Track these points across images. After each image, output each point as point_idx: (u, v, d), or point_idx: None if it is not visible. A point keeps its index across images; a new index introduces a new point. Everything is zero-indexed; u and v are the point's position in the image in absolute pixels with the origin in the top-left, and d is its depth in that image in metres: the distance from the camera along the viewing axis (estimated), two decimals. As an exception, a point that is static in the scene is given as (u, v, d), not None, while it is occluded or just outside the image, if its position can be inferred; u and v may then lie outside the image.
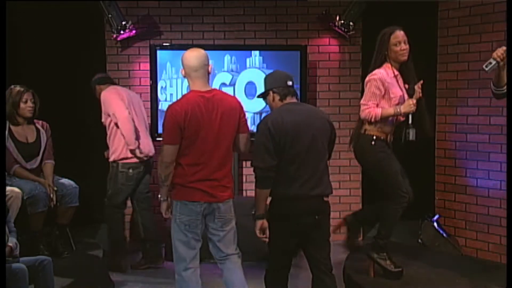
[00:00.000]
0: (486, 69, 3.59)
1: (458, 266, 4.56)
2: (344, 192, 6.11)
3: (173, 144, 3.50)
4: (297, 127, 3.53)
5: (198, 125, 3.49)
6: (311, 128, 3.57)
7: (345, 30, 5.75)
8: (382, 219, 4.22)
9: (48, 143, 4.81)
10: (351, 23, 5.70)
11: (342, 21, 5.70)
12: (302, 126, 3.54)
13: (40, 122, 4.83)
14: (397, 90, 4.06)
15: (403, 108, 3.98)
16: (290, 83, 3.67)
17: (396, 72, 4.10)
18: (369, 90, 4.04)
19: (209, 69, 3.62)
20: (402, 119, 4.08)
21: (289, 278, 3.83)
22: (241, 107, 3.70)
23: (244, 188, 5.95)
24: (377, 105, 4.04)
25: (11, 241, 3.77)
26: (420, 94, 4.06)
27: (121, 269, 5.12)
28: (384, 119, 4.04)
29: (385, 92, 4.03)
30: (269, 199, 3.62)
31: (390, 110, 4.01)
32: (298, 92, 5.63)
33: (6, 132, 4.55)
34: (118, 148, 4.99)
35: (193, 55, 3.58)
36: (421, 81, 4.08)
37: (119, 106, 4.88)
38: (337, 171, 6.05)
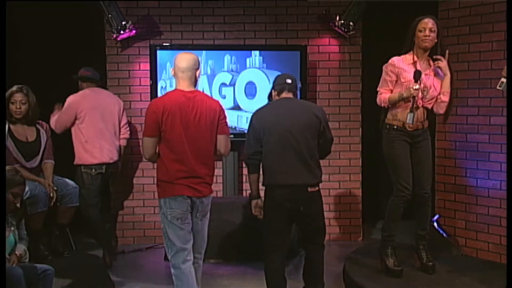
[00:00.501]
0: (500, 88, 3.89)
1: (458, 266, 4.56)
2: (344, 192, 6.11)
3: (150, 137, 3.68)
4: (275, 120, 3.78)
5: (175, 121, 3.64)
6: (293, 121, 3.77)
7: (345, 30, 5.75)
8: (387, 210, 4.33)
9: (48, 142, 4.81)
10: (351, 23, 5.70)
11: (342, 21, 5.70)
12: (281, 120, 3.78)
13: (40, 122, 4.82)
14: (409, 75, 4.13)
15: (405, 92, 4.09)
16: (289, 80, 3.94)
17: (416, 59, 4.18)
18: (382, 77, 4.27)
19: (197, 74, 3.77)
20: (421, 104, 4.16)
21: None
22: (222, 110, 3.83)
23: (244, 188, 5.94)
24: (391, 91, 4.21)
25: (20, 249, 3.77)
26: (438, 65, 4.18)
27: (108, 266, 5.11)
28: (395, 105, 4.17)
29: (398, 78, 4.16)
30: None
31: (395, 95, 4.15)
32: (298, 92, 5.67)
33: (6, 131, 4.55)
34: (78, 151, 5.10)
35: (184, 57, 3.75)
36: (447, 52, 4.21)
37: (64, 115, 5.08)
38: (337, 171, 6.05)
